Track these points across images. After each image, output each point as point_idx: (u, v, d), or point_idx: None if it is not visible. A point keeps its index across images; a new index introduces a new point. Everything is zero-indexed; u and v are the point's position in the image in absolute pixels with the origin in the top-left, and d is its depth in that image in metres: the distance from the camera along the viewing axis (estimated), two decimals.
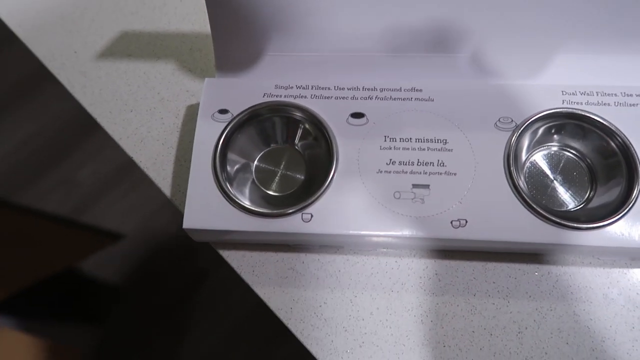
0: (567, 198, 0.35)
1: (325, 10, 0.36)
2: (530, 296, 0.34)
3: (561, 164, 0.35)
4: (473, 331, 0.33)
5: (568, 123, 0.35)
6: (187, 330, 0.96)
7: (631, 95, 0.35)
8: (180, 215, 0.34)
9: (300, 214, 0.33)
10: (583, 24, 0.35)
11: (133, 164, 0.40)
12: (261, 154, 0.37)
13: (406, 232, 0.32)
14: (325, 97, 0.36)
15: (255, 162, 0.37)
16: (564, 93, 0.35)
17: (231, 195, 0.33)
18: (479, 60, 0.37)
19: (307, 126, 0.36)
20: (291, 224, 0.33)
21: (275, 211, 0.33)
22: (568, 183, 0.35)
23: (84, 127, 1.13)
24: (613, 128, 0.34)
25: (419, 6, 0.35)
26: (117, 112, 0.41)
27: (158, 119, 0.41)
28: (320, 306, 0.35)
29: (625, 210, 0.31)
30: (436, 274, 0.35)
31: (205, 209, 0.33)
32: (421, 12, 0.35)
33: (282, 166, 0.37)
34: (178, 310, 1.00)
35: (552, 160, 0.36)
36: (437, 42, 0.37)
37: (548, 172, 0.35)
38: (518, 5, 0.34)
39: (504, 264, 0.35)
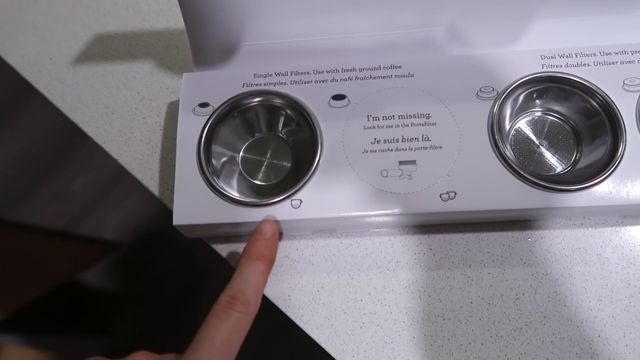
0: (554, 162, 0.35)
1: None
2: (525, 262, 0.34)
3: (545, 129, 0.35)
4: (471, 302, 0.33)
5: (549, 87, 0.35)
6: (193, 330, 0.96)
7: (610, 53, 0.35)
8: (170, 214, 0.34)
9: (289, 200, 0.33)
10: None
11: (122, 170, 0.39)
12: (246, 144, 0.37)
13: (396, 210, 0.32)
14: (305, 81, 0.36)
15: (241, 153, 0.37)
16: (543, 57, 0.35)
17: (218, 188, 0.33)
18: (456, 32, 0.37)
19: (289, 112, 0.36)
20: (281, 211, 0.33)
21: (263, 200, 0.33)
22: (554, 147, 0.35)
23: (69, 135, 1.12)
24: (594, 87, 0.34)
25: None
26: (98, 116, 0.41)
27: (140, 119, 0.40)
28: (317, 291, 0.35)
29: (612, 168, 0.32)
30: (430, 249, 0.35)
31: (193, 204, 0.33)
32: None
33: (268, 155, 0.37)
34: (181, 311, 1.00)
35: (536, 125, 0.36)
36: (414, 17, 0.37)
37: (533, 137, 0.35)
38: None
39: (497, 232, 0.35)
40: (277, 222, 0.33)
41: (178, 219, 0.33)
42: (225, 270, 0.34)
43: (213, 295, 0.28)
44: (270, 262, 0.31)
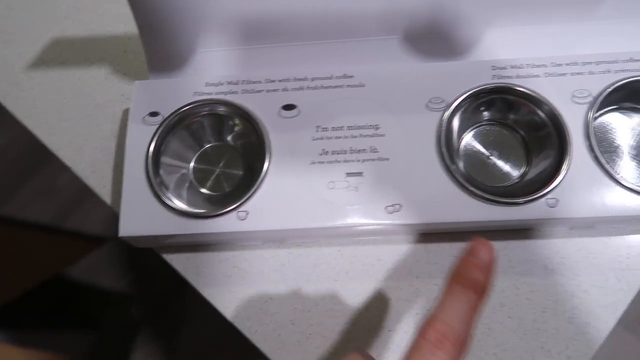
0: (505, 172, 0.35)
1: (254, 2, 0.35)
2: None
3: (496, 140, 0.35)
4: (417, 313, 0.34)
5: (498, 98, 0.35)
6: (181, 326, 0.97)
7: (560, 64, 0.35)
8: None
9: (235, 212, 0.33)
10: None
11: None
12: (197, 154, 0.37)
13: (342, 222, 0.32)
14: (256, 91, 0.36)
15: (192, 164, 0.37)
16: (494, 68, 0.35)
17: (165, 200, 0.33)
18: (409, 42, 0.37)
19: (238, 122, 0.36)
20: (227, 223, 0.33)
21: (210, 212, 0.33)
22: (505, 158, 0.35)
23: (29, 141, 1.12)
24: (542, 99, 0.34)
25: None
26: (53, 123, 0.41)
27: (95, 126, 0.40)
28: (266, 302, 0.35)
29: (558, 181, 0.32)
30: (379, 260, 0.35)
31: (140, 216, 0.33)
32: None
33: (220, 165, 0.36)
34: (170, 307, 1.00)
35: (486, 136, 0.36)
36: (367, 26, 0.37)
37: (484, 148, 0.35)
38: None
39: (446, 244, 0.35)
40: (222, 234, 0.33)
41: (124, 231, 0.33)
42: (171, 277, 0.34)
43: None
44: (484, 293, 0.24)
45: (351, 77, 0.36)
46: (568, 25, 0.36)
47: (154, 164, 0.34)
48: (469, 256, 0.25)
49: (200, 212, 0.33)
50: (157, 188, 0.33)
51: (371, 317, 0.34)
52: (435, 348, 0.21)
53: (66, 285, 1.07)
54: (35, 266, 1.00)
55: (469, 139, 0.36)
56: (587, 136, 0.32)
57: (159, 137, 0.35)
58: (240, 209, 0.33)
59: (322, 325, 0.34)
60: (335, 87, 0.35)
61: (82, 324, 1.05)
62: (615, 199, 0.31)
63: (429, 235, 0.35)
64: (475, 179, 0.34)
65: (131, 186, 0.34)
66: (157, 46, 0.38)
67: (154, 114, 0.35)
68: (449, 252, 0.35)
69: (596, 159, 0.32)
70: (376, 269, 0.35)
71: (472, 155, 0.35)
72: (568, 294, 0.33)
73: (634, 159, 0.34)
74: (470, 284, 0.24)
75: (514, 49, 0.36)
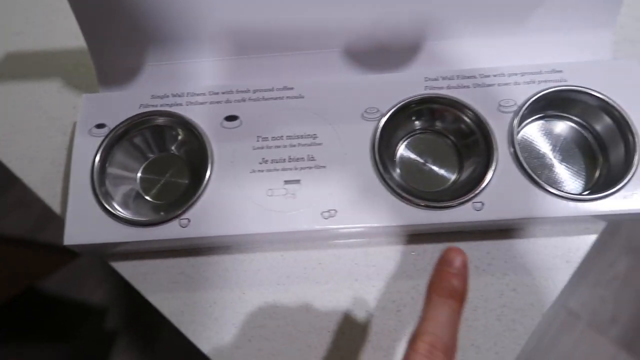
0: (441, 177, 0.36)
1: (199, 17, 0.37)
2: (407, 275, 0.36)
3: (430, 147, 0.37)
4: (355, 314, 0.35)
5: (429, 107, 0.36)
6: (152, 340, 0.97)
7: (488, 76, 0.37)
8: None
9: (177, 220, 0.34)
10: (445, 11, 0.37)
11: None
12: (144, 164, 0.38)
13: (279, 228, 0.33)
14: (200, 102, 0.37)
15: (139, 174, 0.38)
16: (427, 79, 0.37)
17: (109, 209, 0.34)
18: (349, 55, 0.39)
19: (182, 133, 0.37)
20: (170, 230, 0.34)
21: (153, 220, 0.34)
22: (439, 163, 0.37)
23: None
24: (470, 108, 0.35)
25: (289, 6, 0.36)
26: (4, 135, 0.41)
27: (46, 138, 0.41)
28: (210, 306, 0.36)
29: (484, 186, 0.33)
30: (320, 264, 0.36)
31: (85, 224, 0.34)
32: (291, 12, 0.36)
33: (166, 174, 0.38)
34: (142, 321, 1.00)
35: (421, 143, 0.37)
36: (308, 40, 0.38)
37: (419, 155, 0.37)
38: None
39: (383, 247, 0.37)
40: (165, 240, 0.34)
41: (69, 239, 0.34)
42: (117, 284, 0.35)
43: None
44: (463, 299, 0.26)
45: (291, 88, 0.37)
46: (498, 39, 0.39)
47: (100, 174, 0.35)
48: (444, 266, 0.26)
49: (144, 220, 0.34)
50: (102, 197, 0.34)
51: (311, 319, 0.35)
52: (427, 359, 0.23)
53: (39, 298, 1.07)
54: (4, 280, 0.99)
55: (404, 147, 0.37)
56: (512, 143, 0.34)
57: (104, 148, 0.36)
58: (183, 217, 0.34)
59: (264, 327, 0.35)
60: (276, 98, 0.37)
61: (54, 337, 1.04)
62: (537, 202, 0.33)
63: (367, 239, 0.37)
64: (408, 185, 0.35)
65: (77, 196, 0.35)
66: (106, 61, 0.39)
67: (100, 125, 0.37)
68: (387, 255, 0.36)
69: (520, 164, 0.34)
70: (317, 272, 0.36)
71: (408, 163, 0.37)
72: (497, 293, 0.35)
73: (559, 164, 0.36)
74: (449, 293, 0.25)
75: (447, 62, 0.38)
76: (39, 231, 1.11)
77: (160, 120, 0.37)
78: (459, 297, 0.26)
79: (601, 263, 1.04)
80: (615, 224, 1.03)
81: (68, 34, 0.46)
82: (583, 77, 0.36)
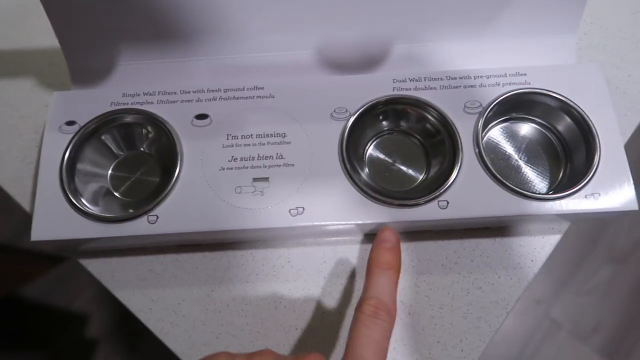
0: (409, 177, 0.37)
1: (172, 17, 0.37)
2: None
3: (398, 146, 0.38)
4: (323, 312, 0.35)
5: (397, 108, 0.37)
6: (137, 346, 0.96)
7: (455, 78, 0.38)
8: None
9: (146, 216, 0.34)
10: (414, 16, 0.38)
11: None
12: (115, 162, 0.38)
13: (247, 225, 0.34)
14: (171, 101, 0.37)
15: (110, 171, 0.38)
16: (395, 81, 0.38)
17: (77, 205, 0.34)
18: (321, 56, 0.39)
19: (153, 131, 0.37)
20: (137, 227, 0.34)
21: (121, 216, 0.34)
22: (407, 163, 0.37)
23: None
24: (437, 109, 0.36)
25: (260, 8, 0.37)
26: None
27: (17, 136, 0.41)
28: (179, 304, 0.36)
29: (448, 185, 0.34)
30: (289, 262, 0.37)
31: (52, 220, 0.34)
32: (263, 13, 0.37)
33: (137, 172, 0.38)
34: (124, 328, 0.99)
35: (390, 143, 0.38)
36: (280, 40, 0.39)
37: (387, 155, 0.38)
38: (353, 2, 0.37)
39: (352, 245, 0.37)
40: (134, 237, 0.34)
41: (36, 235, 0.34)
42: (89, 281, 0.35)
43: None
44: (398, 270, 0.31)
45: (262, 88, 0.38)
46: (466, 43, 0.39)
47: (69, 170, 0.35)
48: (380, 243, 0.32)
49: (111, 217, 0.34)
50: (70, 194, 0.34)
51: (279, 316, 0.35)
52: (373, 318, 0.27)
53: (19, 305, 1.05)
54: None
55: (373, 147, 0.38)
56: (477, 143, 0.35)
57: (74, 145, 0.36)
58: (151, 213, 0.34)
59: (231, 325, 0.35)
60: (247, 97, 0.37)
61: (35, 345, 1.03)
62: (501, 202, 0.34)
63: (336, 238, 0.37)
64: (376, 183, 0.36)
65: (45, 192, 0.35)
66: (79, 60, 0.39)
67: (70, 122, 0.37)
68: (355, 254, 0.37)
69: (485, 164, 0.34)
70: (286, 270, 0.36)
71: (377, 162, 0.37)
72: (464, 291, 0.36)
73: (525, 165, 0.37)
74: (387, 265, 0.30)
75: (416, 65, 0.39)
76: (19, 238, 1.09)
77: (131, 118, 0.37)
78: (395, 268, 0.30)
79: (583, 272, 1.06)
80: (598, 229, 1.05)
81: (41, 34, 0.46)
82: (546, 80, 0.37)
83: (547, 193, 0.35)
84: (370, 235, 0.37)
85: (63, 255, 0.35)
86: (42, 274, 1.07)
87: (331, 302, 0.35)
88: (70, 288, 1.06)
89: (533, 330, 1.03)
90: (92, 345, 1.00)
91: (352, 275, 0.36)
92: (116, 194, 0.37)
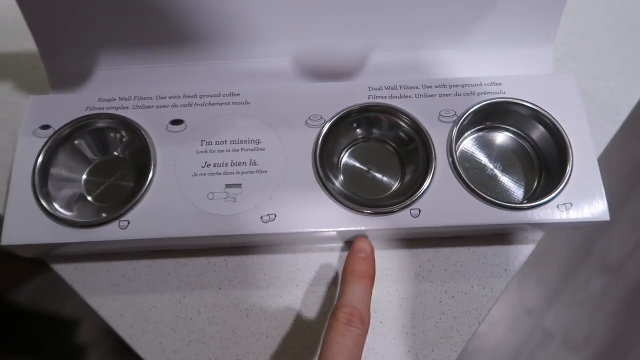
0: (385, 184, 0.37)
1: (150, 24, 0.37)
2: None
3: (373, 154, 0.38)
4: (295, 320, 0.35)
5: (372, 116, 0.37)
6: (127, 352, 0.95)
7: (430, 87, 0.38)
8: None
9: (117, 222, 0.34)
10: (391, 25, 0.38)
11: None
12: (90, 167, 0.38)
13: (219, 231, 0.33)
14: (147, 106, 0.37)
15: (85, 176, 0.38)
16: (371, 89, 0.38)
17: (49, 209, 0.34)
18: (296, 63, 0.39)
19: (127, 136, 0.37)
20: (109, 232, 0.34)
21: (93, 221, 0.34)
22: (383, 171, 0.37)
23: None
24: (411, 117, 0.36)
25: (238, 14, 0.37)
26: None
27: None
28: (150, 310, 0.35)
29: (420, 193, 0.34)
30: (262, 269, 0.36)
31: (24, 225, 0.34)
32: (240, 20, 0.37)
33: (112, 177, 0.38)
34: (114, 333, 0.98)
35: (364, 151, 0.38)
36: (257, 47, 0.39)
37: (362, 164, 0.38)
38: (331, 9, 0.37)
39: (325, 253, 0.37)
40: (104, 242, 0.34)
41: (7, 239, 0.34)
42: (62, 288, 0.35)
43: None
44: (373, 279, 0.31)
45: (238, 95, 0.38)
46: (443, 52, 0.40)
47: (42, 175, 0.35)
48: (355, 252, 0.32)
49: (83, 222, 0.34)
50: (42, 198, 0.34)
51: (251, 324, 0.35)
52: (347, 325, 0.28)
53: (7, 311, 1.04)
54: None
55: (348, 155, 0.38)
56: (451, 152, 0.35)
57: (48, 149, 0.36)
58: (123, 219, 0.34)
59: (202, 332, 0.35)
60: (222, 104, 0.37)
61: (24, 351, 1.02)
62: (473, 211, 0.34)
63: (311, 245, 0.37)
64: (349, 191, 0.36)
65: (17, 196, 0.34)
66: (57, 65, 0.39)
67: (45, 127, 0.37)
68: (328, 262, 0.37)
69: (458, 173, 0.34)
70: (259, 277, 0.36)
71: (352, 170, 0.37)
72: (436, 300, 0.35)
73: (501, 174, 0.37)
74: (362, 274, 0.31)
75: (392, 73, 0.39)
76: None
77: (105, 123, 0.37)
78: (370, 277, 0.31)
79: (575, 283, 1.05)
80: (590, 240, 1.04)
81: (22, 37, 0.46)
82: (521, 89, 0.37)
83: (521, 202, 0.35)
84: (346, 243, 0.37)
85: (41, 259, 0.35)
86: (32, 278, 1.06)
87: (304, 310, 0.35)
88: (60, 293, 1.06)
89: (525, 341, 1.02)
90: (82, 351, 0.99)
91: (326, 283, 0.36)
92: (90, 199, 0.37)
